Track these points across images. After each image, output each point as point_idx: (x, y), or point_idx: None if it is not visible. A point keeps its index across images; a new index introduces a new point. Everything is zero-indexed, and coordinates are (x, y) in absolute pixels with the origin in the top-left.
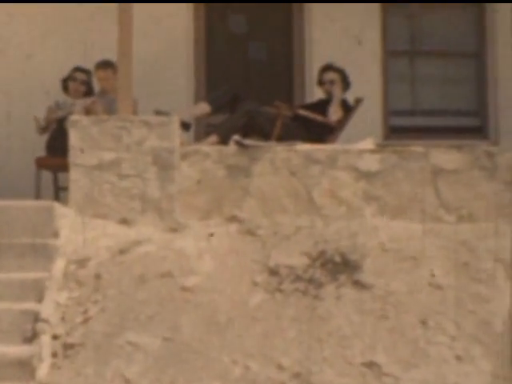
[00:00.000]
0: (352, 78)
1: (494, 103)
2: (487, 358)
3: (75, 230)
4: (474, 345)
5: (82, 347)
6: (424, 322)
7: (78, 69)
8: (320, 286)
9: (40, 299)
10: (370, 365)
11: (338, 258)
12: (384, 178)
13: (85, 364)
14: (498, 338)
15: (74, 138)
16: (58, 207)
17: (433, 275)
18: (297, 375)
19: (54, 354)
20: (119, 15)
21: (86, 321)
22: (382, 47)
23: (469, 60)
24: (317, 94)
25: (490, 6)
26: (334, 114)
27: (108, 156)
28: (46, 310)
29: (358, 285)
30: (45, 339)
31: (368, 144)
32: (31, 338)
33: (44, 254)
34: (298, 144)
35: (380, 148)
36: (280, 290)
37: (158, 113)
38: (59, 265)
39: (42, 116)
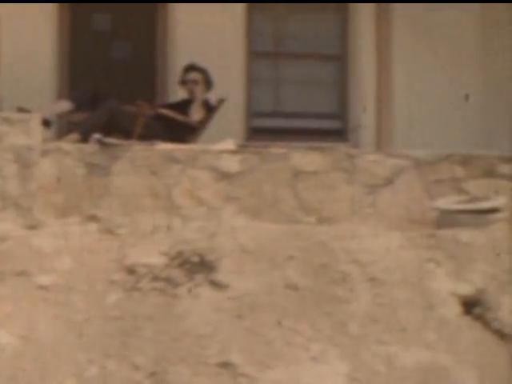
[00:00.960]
0: (215, 78)
1: (354, 106)
2: (343, 359)
3: None
4: (330, 346)
5: None
6: (280, 323)
7: None
8: (177, 285)
9: None
10: (226, 365)
11: (195, 258)
12: (244, 178)
13: None
14: (354, 340)
15: None
16: None
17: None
18: (152, 374)
19: None
20: None
21: None
22: (246, 48)
23: (332, 63)
24: (180, 93)
25: (352, 7)
26: (196, 113)
27: None
28: None
29: (215, 285)
30: None
31: (228, 144)
32: None
33: None
34: (159, 143)
35: (241, 149)
36: (137, 289)
37: (20, 110)
38: None
39: None
